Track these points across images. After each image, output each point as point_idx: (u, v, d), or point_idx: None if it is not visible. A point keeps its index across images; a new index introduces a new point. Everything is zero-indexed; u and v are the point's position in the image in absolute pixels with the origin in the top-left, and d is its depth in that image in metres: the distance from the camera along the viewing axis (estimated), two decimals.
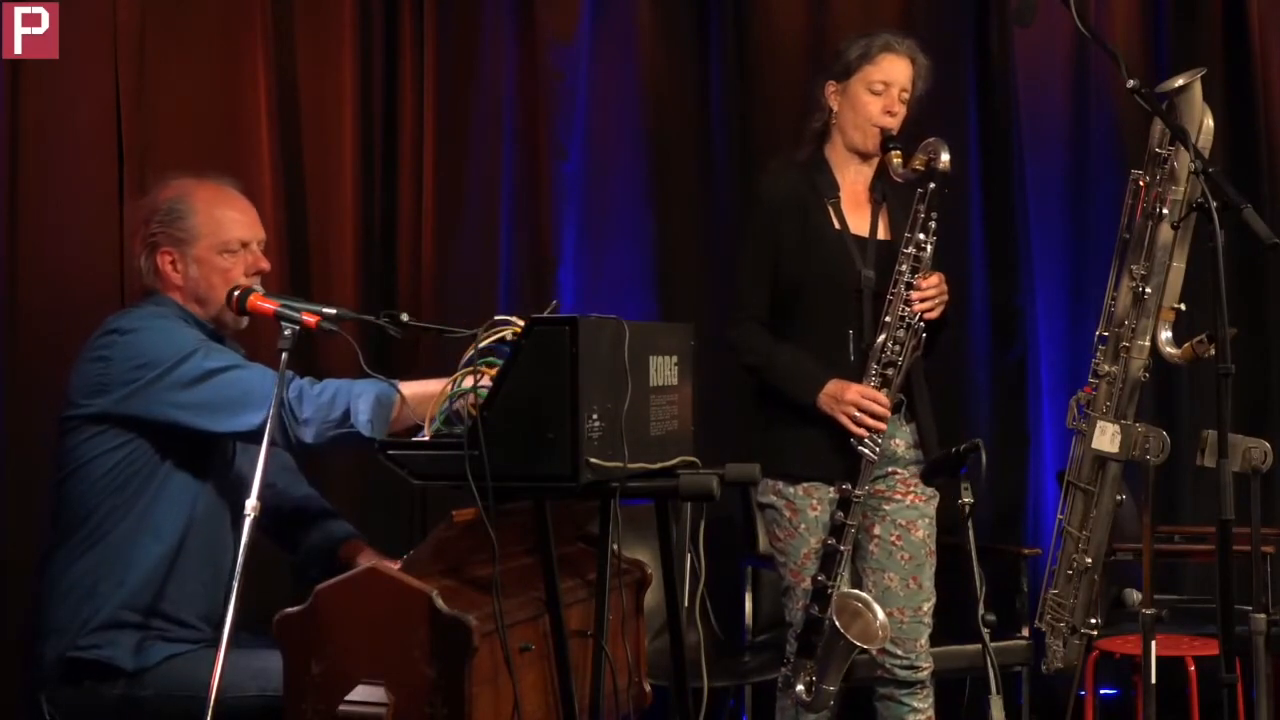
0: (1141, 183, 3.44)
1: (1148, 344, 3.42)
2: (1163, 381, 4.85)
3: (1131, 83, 3.08)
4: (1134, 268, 3.43)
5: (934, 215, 3.51)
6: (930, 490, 3.62)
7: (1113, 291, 3.48)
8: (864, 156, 3.67)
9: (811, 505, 3.58)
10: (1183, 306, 3.43)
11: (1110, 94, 5.02)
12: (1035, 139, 5.10)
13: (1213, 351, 3.12)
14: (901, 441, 3.62)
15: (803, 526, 3.58)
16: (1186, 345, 3.33)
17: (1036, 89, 5.10)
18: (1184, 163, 3.32)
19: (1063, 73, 5.12)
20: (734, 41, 5.06)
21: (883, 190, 3.68)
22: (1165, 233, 3.39)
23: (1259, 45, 5.05)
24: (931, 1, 5.11)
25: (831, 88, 3.67)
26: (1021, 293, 5.11)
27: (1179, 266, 3.41)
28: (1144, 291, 3.41)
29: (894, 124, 3.61)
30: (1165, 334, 3.42)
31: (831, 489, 3.56)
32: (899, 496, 3.62)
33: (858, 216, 3.66)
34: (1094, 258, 4.92)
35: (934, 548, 3.64)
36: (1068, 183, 5.12)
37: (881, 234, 3.64)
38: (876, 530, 3.62)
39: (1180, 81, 3.38)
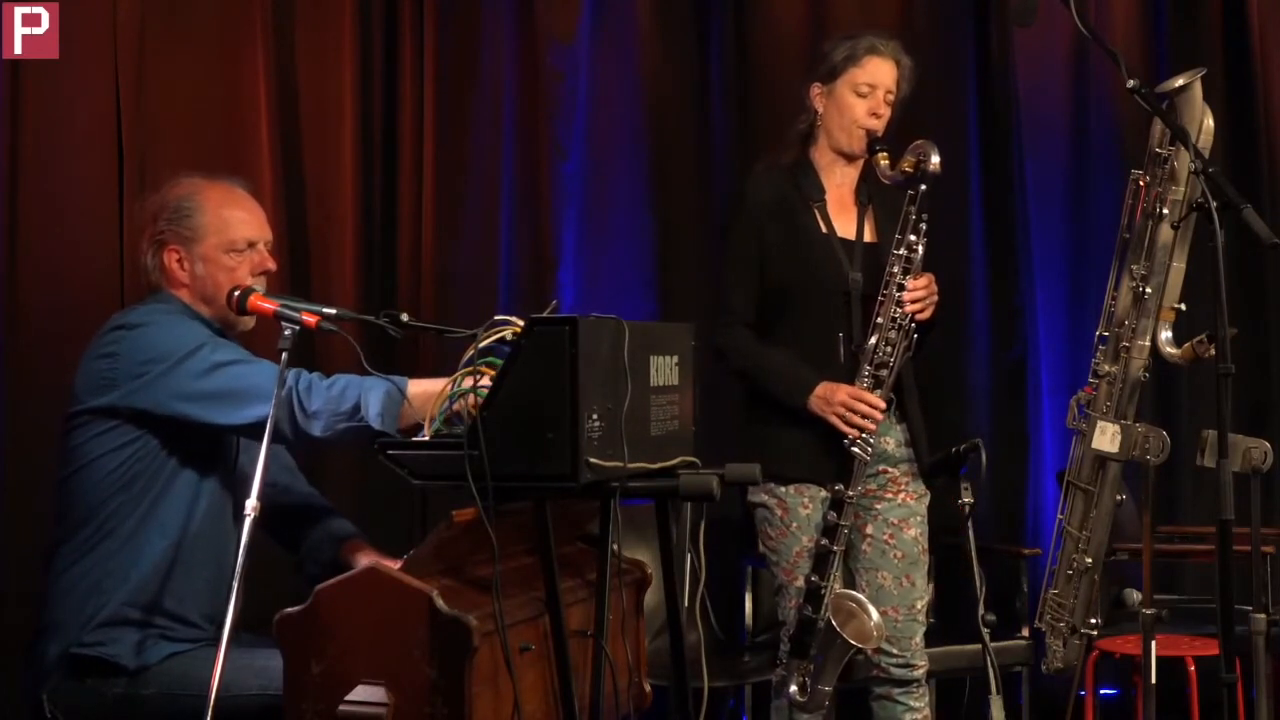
0: (1141, 183, 3.43)
1: (1148, 344, 3.42)
2: (1163, 381, 4.85)
3: (1131, 83, 3.07)
4: (1134, 268, 3.43)
5: (924, 217, 3.50)
6: (921, 489, 3.64)
7: (1113, 291, 3.47)
8: (849, 159, 3.66)
9: (803, 504, 3.58)
10: (1183, 306, 3.42)
11: (1110, 94, 5.02)
12: (1035, 139, 5.09)
13: (1213, 351, 3.11)
14: (892, 441, 3.63)
15: (794, 525, 3.59)
16: (1186, 345, 3.32)
17: (1036, 89, 5.10)
18: (1184, 163, 3.31)
19: (1063, 73, 5.12)
20: (734, 41, 5.06)
21: (868, 193, 3.68)
22: (1165, 233, 3.39)
23: (1259, 45, 5.04)
24: (931, 2, 5.11)
25: (816, 90, 3.66)
26: (1021, 293, 5.11)
27: (1179, 266, 3.41)
28: (1144, 291, 3.40)
29: (879, 126, 3.60)
30: (1165, 334, 3.41)
31: (823, 489, 3.56)
32: (890, 495, 3.63)
33: (844, 219, 3.66)
34: (1094, 258, 4.92)
35: (927, 546, 3.65)
36: (1068, 183, 5.12)
37: (868, 236, 3.65)
38: (869, 530, 3.63)
39: (1180, 81, 3.38)
